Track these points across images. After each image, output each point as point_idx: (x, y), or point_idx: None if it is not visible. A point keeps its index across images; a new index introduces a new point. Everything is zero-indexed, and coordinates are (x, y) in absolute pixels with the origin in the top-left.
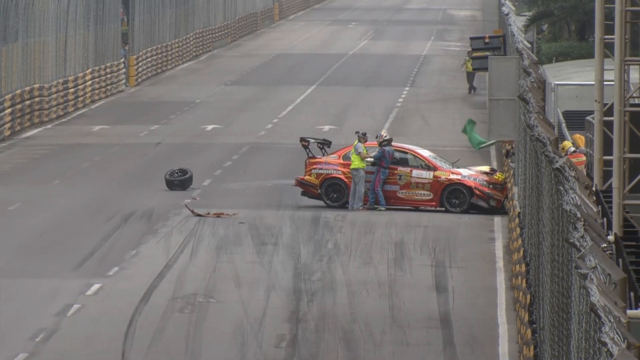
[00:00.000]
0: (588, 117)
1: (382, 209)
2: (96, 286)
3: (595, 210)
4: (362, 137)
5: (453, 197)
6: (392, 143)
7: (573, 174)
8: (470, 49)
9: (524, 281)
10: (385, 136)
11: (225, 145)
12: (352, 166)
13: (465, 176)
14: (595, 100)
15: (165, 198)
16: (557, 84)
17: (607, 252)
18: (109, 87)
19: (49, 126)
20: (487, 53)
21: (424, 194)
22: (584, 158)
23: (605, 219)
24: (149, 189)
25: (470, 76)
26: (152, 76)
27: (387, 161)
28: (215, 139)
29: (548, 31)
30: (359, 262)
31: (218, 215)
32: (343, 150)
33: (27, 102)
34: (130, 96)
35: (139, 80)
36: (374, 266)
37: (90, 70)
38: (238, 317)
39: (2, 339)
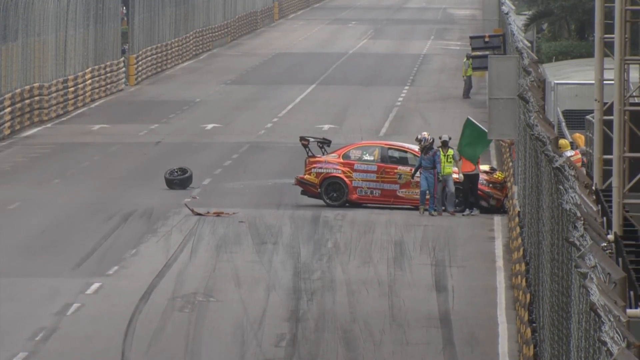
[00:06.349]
0: (588, 116)
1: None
2: (96, 285)
3: (595, 209)
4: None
5: None
6: (391, 142)
7: (573, 173)
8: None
9: (524, 280)
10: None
11: (225, 144)
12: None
13: None
14: (595, 100)
15: (165, 197)
16: (557, 83)
17: (607, 251)
18: (108, 86)
19: (49, 125)
20: (487, 52)
21: None
22: (579, 156)
23: (605, 218)
24: (149, 188)
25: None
26: (152, 75)
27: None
28: (215, 138)
29: (548, 30)
30: (359, 262)
31: (218, 214)
32: (343, 149)
33: (27, 101)
34: (130, 95)
35: (139, 79)
36: (373, 265)
37: (90, 69)
38: (238, 316)
39: (2, 338)
